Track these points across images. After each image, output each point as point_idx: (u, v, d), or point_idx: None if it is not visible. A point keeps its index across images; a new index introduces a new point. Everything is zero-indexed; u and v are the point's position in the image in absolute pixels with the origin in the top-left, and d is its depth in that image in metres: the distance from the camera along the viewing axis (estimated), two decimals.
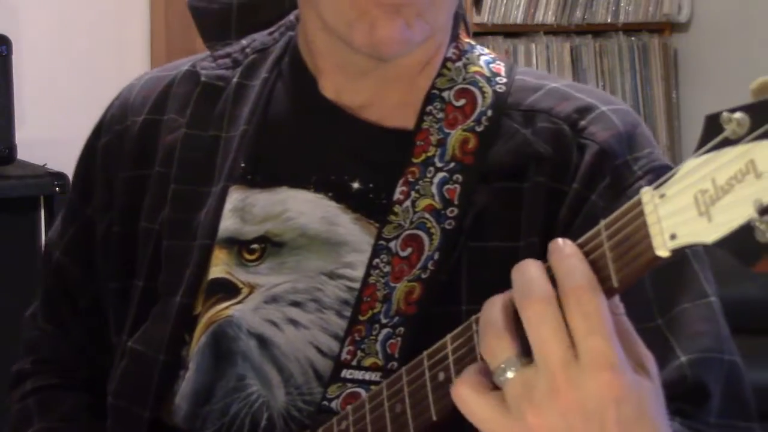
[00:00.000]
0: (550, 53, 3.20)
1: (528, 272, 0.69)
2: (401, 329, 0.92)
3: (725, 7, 3.25)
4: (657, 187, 0.64)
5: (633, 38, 3.31)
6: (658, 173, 0.93)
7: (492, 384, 0.69)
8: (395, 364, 0.91)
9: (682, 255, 0.90)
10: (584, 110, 0.97)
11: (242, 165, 1.00)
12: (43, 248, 1.18)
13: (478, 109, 0.97)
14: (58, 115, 2.78)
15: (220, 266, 0.98)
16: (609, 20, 3.25)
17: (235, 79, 1.04)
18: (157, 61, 2.87)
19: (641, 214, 0.65)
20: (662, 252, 0.64)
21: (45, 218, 2.37)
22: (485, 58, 1.02)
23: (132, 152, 1.06)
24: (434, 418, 0.75)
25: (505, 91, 0.99)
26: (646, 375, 0.69)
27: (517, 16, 3.15)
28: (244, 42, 1.07)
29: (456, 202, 0.94)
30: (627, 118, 0.97)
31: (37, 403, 1.12)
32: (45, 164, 2.50)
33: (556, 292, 0.68)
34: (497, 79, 1.00)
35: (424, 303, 0.92)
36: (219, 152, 1.01)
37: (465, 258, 0.93)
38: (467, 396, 0.69)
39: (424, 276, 0.92)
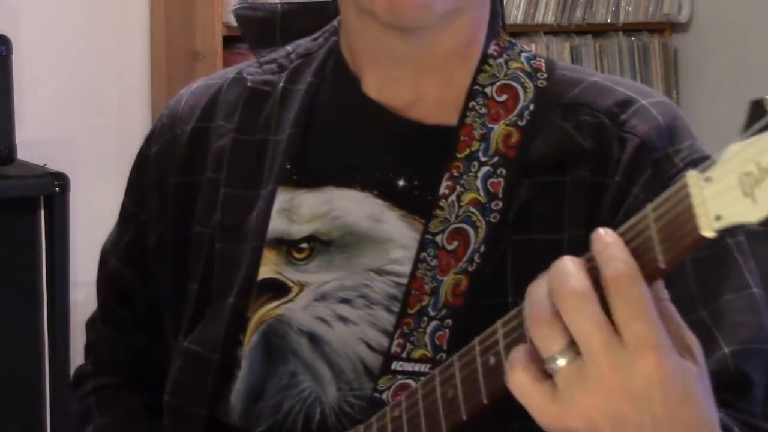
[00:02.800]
0: (550, 53, 3.20)
1: (563, 268, 0.71)
2: (449, 321, 0.93)
3: (725, 7, 3.25)
4: (702, 171, 0.67)
5: (633, 38, 3.31)
6: (700, 164, 0.96)
7: (543, 368, 0.71)
8: (444, 355, 0.92)
9: (725, 247, 0.94)
10: (624, 104, 0.98)
11: (288, 166, 1.02)
12: (101, 254, 1.21)
13: (521, 104, 0.99)
14: (58, 115, 2.78)
15: (269, 266, 1.00)
16: (609, 20, 3.26)
17: (281, 84, 1.06)
18: (157, 61, 2.87)
19: (687, 196, 0.67)
20: (708, 233, 0.66)
21: (45, 218, 2.36)
22: (526, 54, 1.04)
23: (182, 159, 1.09)
24: (485, 401, 0.77)
25: (547, 86, 1.00)
26: (691, 359, 0.71)
27: (517, 16, 3.15)
28: (289, 48, 1.09)
29: (500, 196, 0.96)
30: (667, 110, 0.99)
31: (97, 401, 1.15)
32: (45, 164, 2.50)
33: (601, 281, 0.70)
34: (538, 74, 1.02)
35: (471, 295, 0.94)
36: (267, 156, 1.03)
37: (510, 251, 0.95)
38: (524, 383, 0.71)
39: (470, 269, 0.94)
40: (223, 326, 1.00)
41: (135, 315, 1.15)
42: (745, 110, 0.67)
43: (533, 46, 3.18)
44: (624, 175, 0.95)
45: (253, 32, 1.14)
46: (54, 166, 2.46)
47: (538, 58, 1.04)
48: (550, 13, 3.18)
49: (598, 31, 3.28)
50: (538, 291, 0.72)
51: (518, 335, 0.74)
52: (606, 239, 0.70)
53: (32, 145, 2.57)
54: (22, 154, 2.46)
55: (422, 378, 0.89)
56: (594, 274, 0.70)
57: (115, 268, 1.16)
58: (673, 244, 0.68)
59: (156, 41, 2.88)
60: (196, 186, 1.07)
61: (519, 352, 0.72)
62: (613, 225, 0.92)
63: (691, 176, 0.67)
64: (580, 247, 0.92)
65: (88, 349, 1.22)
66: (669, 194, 0.68)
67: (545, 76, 1.01)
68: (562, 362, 0.69)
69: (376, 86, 1.02)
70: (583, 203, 0.95)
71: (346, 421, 0.95)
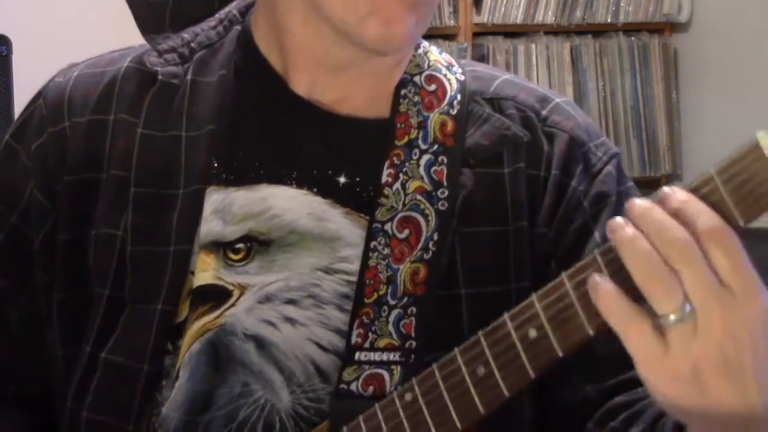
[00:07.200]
0: (550, 53, 3.20)
1: (656, 217, 0.72)
2: (413, 309, 0.92)
3: (725, 7, 3.25)
4: None
5: (633, 38, 3.31)
6: (618, 159, 1.00)
7: (653, 323, 0.72)
8: (413, 343, 0.91)
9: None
10: (543, 100, 1.01)
11: (215, 165, 0.97)
12: None
13: (449, 94, 1.00)
14: None
15: (208, 271, 0.96)
16: (609, 20, 3.26)
17: (188, 77, 1.01)
18: None
19: (763, 156, 0.69)
20: None
21: None
22: (435, 48, 1.04)
23: (77, 155, 1.00)
24: (532, 375, 0.78)
25: (465, 79, 1.01)
26: None
27: (517, 16, 3.15)
28: (186, 36, 1.03)
29: (445, 184, 0.96)
30: (578, 110, 1.02)
31: None
32: None
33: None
34: (453, 68, 1.02)
35: (432, 283, 0.93)
36: (181, 153, 0.98)
37: (458, 243, 0.95)
38: (649, 335, 0.72)
39: (426, 257, 0.94)
40: (150, 335, 0.94)
41: (6, 325, 1.03)
42: (745, 110, 0.69)
43: (533, 46, 3.18)
44: (561, 168, 0.97)
45: (143, 15, 1.06)
46: None
47: (443, 53, 1.05)
48: (550, 13, 3.19)
49: (598, 31, 3.28)
50: (642, 247, 0.72)
51: (563, 305, 0.75)
52: (679, 196, 0.72)
53: None
54: None
55: (393, 368, 0.90)
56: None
57: None
58: (753, 204, 0.70)
59: None
60: (95, 183, 0.99)
61: (626, 306, 0.73)
62: (557, 218, 0.96)
63: (763, 137, 0.68)
64: (524, 239, 0.96)
65: None
66: (738, 157, 0.70)
67: (460, 70, 1.02)
68: (675, 317, 0.71)
69: (308, 85, 0.99)
70: (523, 194, 0.96)
71: (303, 425, 0.93)
